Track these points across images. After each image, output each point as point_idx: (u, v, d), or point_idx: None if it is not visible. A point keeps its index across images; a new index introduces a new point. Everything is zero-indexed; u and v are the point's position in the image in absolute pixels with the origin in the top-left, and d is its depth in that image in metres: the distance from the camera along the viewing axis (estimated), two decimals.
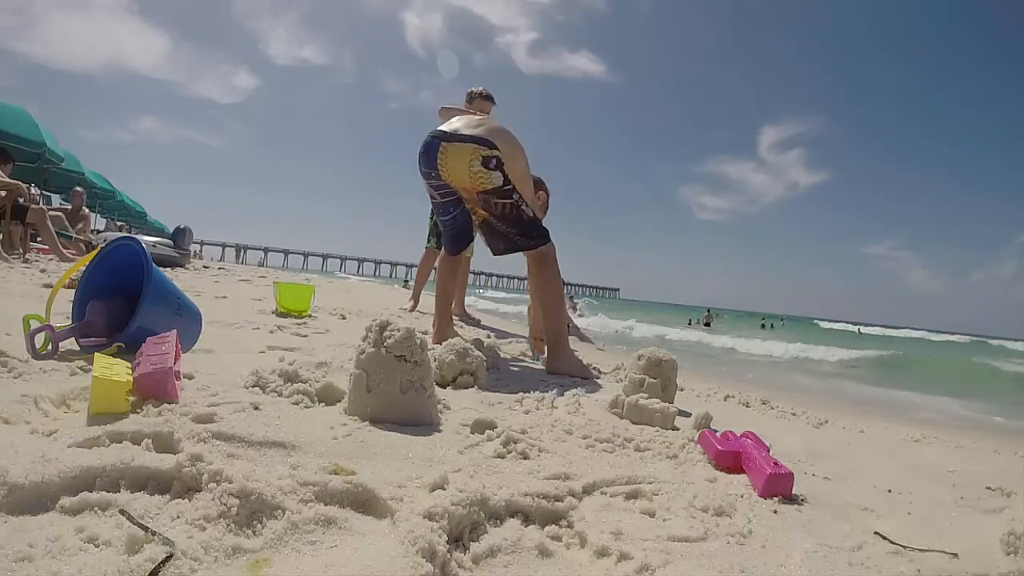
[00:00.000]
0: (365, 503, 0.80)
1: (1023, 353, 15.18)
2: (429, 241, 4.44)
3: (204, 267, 9.08)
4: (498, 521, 0.82)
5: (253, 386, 1.31)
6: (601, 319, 13.48)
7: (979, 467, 1.58)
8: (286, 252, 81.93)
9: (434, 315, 2.75)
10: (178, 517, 0.69)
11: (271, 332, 2.39)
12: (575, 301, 14.29)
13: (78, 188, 8.47)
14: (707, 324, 19.79)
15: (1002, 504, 1.18)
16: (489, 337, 3.15)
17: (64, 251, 5.62)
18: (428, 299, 4.90)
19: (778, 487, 1.04)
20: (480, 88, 4.53)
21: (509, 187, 2.42)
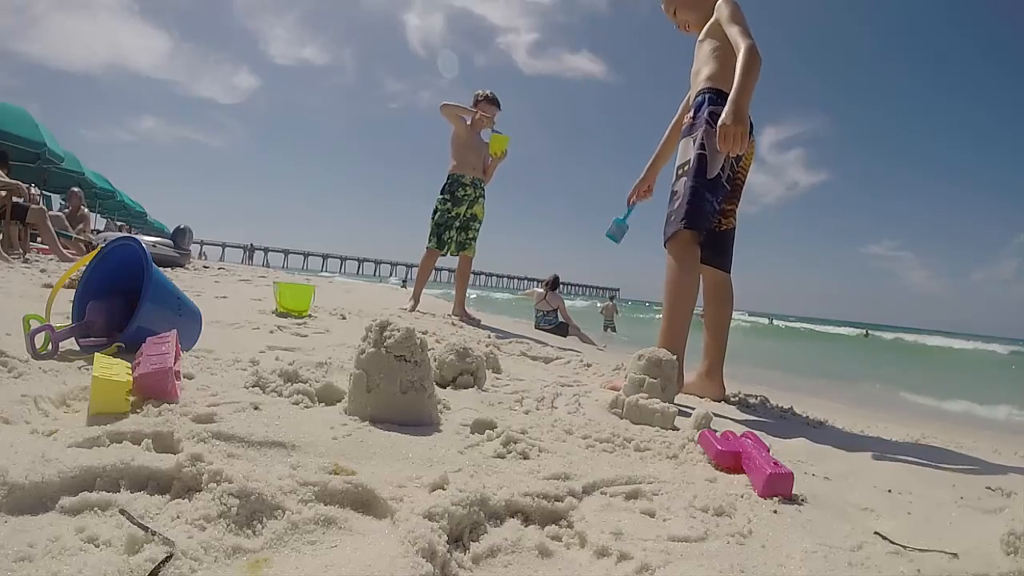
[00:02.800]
0: (365, 503, 0.80)
1: None
2: (430, 241, 4.43)
3: (204, 267, 9.08)
4: (498, 521, 0.82)
5: (253, 386, 1.31)
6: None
7: (979, 467, 1.58)
8: (286, 252, 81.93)
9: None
10: (178, 517, 0.69)
11: (271, 332, 2.39)
12: (614, 302, 13.25)
13: (75, 188, 8.47)
14: None
15: (1002, 504, 1.18)
16: (489, 337, 3.16)
17: (64, 251, 5.63)
18: (428, 299, 4.90)
19: (778, 487, 1.04)
20: (486, 92, 4.52)
21: None
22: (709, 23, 2.21)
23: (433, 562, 0.66)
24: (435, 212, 4.43)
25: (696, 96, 2.18)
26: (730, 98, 1.90)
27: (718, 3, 2.17)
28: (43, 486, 0.69)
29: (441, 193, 4.44)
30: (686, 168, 2.11)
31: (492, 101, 4.52)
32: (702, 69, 2.21)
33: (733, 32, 2.05)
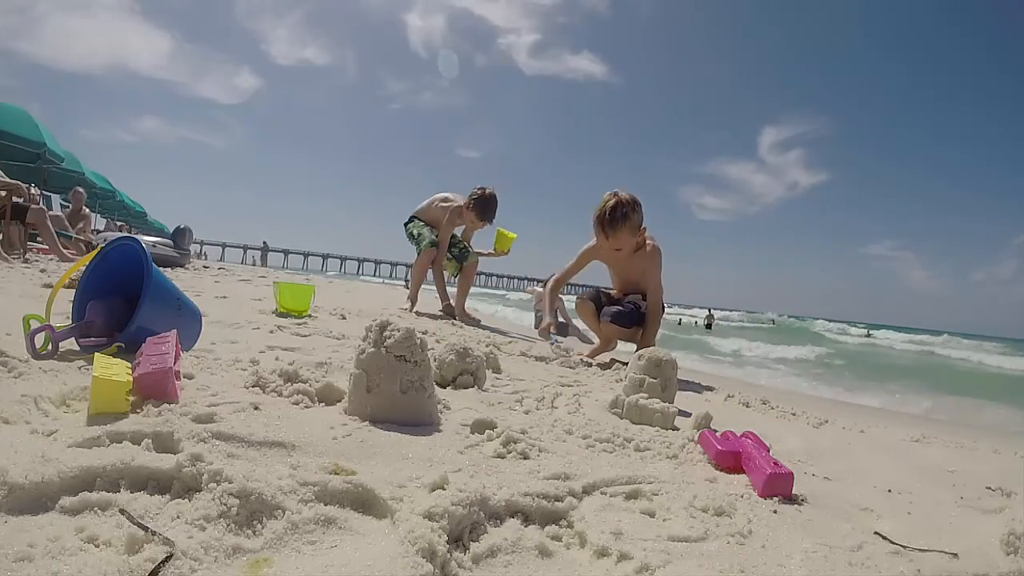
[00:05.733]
0: (365, 503, 0.80)
1: None
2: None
3: (204, 267, 9.08)
4: (498, 521, 0.82)
5: (253, 386, 1.31)
6: None
7: (979, 467, 1.58)
8: (286, 252, 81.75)
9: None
10: (178, 517, 0.69)
11: (271, 332, 2.39)
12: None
13: (79, 189, 8.48)
14: (708, 326, 19.63)
15: (1002, 504, 1.18)
16: (489, 337, 3.16)
17: (64, 251, 5.62)
18: (428, 299, 4.90)
19: (778, 487, 1.04)
20: (484, 192, 4.18)
21: None
22: (638, 254, 3.04)
23: (433, 562, 0.66)
24: (414, 230, 4.45)
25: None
26: (650, 335, 2.97)
27: (650, 248, 3.02)
28: (43, 486, 0.69)
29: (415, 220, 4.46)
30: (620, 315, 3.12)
31: (484, 213, 4.24)
32: (640, 283, 3.12)
33: (653, 282, 3.01)
